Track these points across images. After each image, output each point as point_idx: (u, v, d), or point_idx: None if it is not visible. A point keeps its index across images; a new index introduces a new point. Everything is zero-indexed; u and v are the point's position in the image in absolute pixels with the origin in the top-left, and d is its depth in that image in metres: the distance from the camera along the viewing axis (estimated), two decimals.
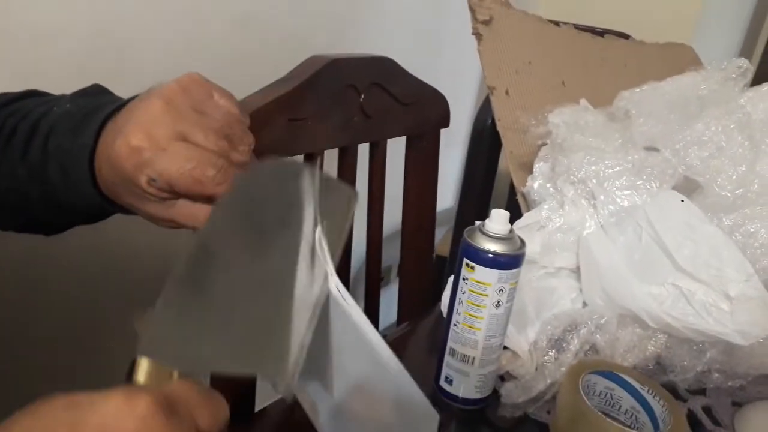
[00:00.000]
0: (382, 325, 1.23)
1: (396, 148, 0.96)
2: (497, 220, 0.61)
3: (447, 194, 1.70)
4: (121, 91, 0.50)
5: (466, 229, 0.63)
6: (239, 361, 0.33)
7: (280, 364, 0.32)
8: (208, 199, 0.43)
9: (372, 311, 1.03)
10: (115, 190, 0.45)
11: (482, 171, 1.36)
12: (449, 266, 1.26)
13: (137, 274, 0.97)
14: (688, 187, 0.72)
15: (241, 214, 0.39)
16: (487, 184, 1.35)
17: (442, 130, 1.00)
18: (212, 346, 0.33)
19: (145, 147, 0.40)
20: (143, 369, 0.32)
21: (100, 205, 0.47)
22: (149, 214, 0.45)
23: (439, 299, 0.77)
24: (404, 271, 1.06)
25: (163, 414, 0.26)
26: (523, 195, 0.88)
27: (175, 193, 0.43)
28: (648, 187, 0.69)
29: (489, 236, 0.61)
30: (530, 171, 0.85)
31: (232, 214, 0.39)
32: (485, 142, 1.21)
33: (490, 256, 0.60)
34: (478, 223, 0.62)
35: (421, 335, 0.84)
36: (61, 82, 0.55)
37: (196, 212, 0.44)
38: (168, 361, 0.32)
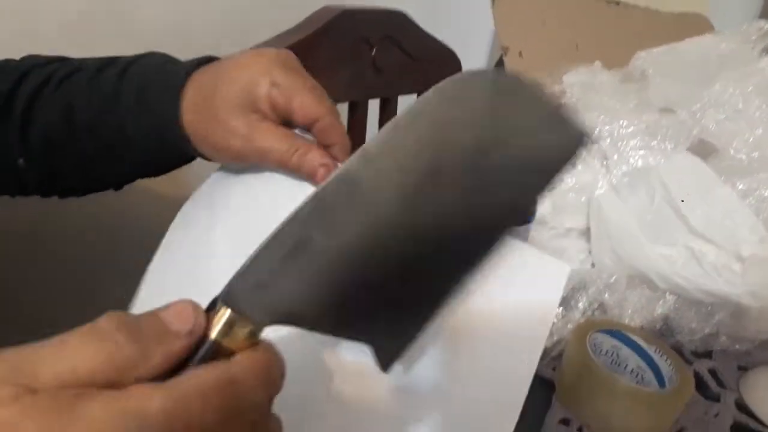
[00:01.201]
0: None
1: None
2: None
3: None
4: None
5: None
6: (346, 326, 0.28)
7: (393, 340, 0.28)
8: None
9: None
10: (202, 127, 0.44)
11: None
12: None
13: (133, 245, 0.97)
14: (702, 151, 0.71)
15: (418, 136, 0.31)
16: None
17: None
18: (315, 304, 0.28)
19: (272, 55, 0.44)
20: (220, 319, 0.27)
21: (174, 145, 0.47)
22: (228, 148, 0.44)
23: None
24: None
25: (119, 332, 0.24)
26: None
27: (282, 111, 0.43)
28: (662, 148, 0.68)
29: None
30: None
31: (404, 136, 0.31)
32: None
33: None
34: None
35: None
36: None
37: (277, 141, 0.43)
38: (250, 311, 0.27)
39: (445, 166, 0.30)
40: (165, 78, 0.46)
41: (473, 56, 1.63)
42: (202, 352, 0.26)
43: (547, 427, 0.57)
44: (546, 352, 0.64)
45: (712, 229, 0.62)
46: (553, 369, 0.65)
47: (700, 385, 0.65)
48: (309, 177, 0.43)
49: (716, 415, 0.61)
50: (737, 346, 0.68)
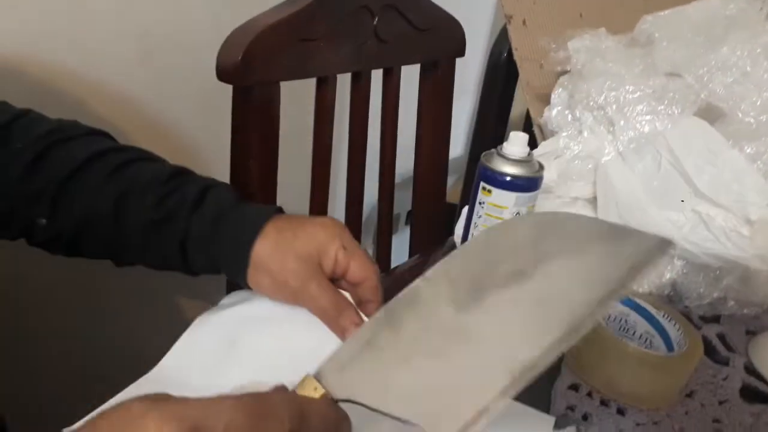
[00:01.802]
0: None
1: (409, 90, 0.95)
2: (515, 142, 0.59)
3: (458, 144, 1.68)
4: None
5: (484, 153, 0.62)
6: (402, 405, 0.32)
7: (449, 426, 0.31)
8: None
9: (383, 258, 1.03)
10: (273, 261, 0.52)
11: (496, 108, 1.34)
12: (462, 203, 1.25)
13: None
14: (710, 115, 0.70)
15: (467, 264, 0.40)
16: (501, 123, 1.33)
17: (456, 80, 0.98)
18: (384, 385, 0.33)
19: (339, 224, 0.54)
20: (305, 385, 0.33)
21: (229, 267, 0.55)
22: (285, 285, 0.52)
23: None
24: (416, 216, 1.05)
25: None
26: (540, 126, 0.86)
27: (341, 269, 0.53)
28: (669, 113, 0.67)
29: (507, 159, 0.59)
30: (547, 102, 0.83)
31: (457, 264, 0.40)
32: (500, 75, 1.18)
33: (508, 178, 0.59)
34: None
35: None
36: None
37: (326, 293, 0.51)
38: (331, 386, 0.33)
39: (487, 283, 0.36)
40: (247, 212, 0.54)
41: (477, 25, 1.61)
42: None
43: (556, 392, 0.57)
44: None
45: (719, 193, 0.62)
46: None
47: (709, 350, 0.65)
48: (340, 332, 0.50)
49: (725, 379, 0.61)
50: (745, 311, 0.68)
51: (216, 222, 0.54)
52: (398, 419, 0.31)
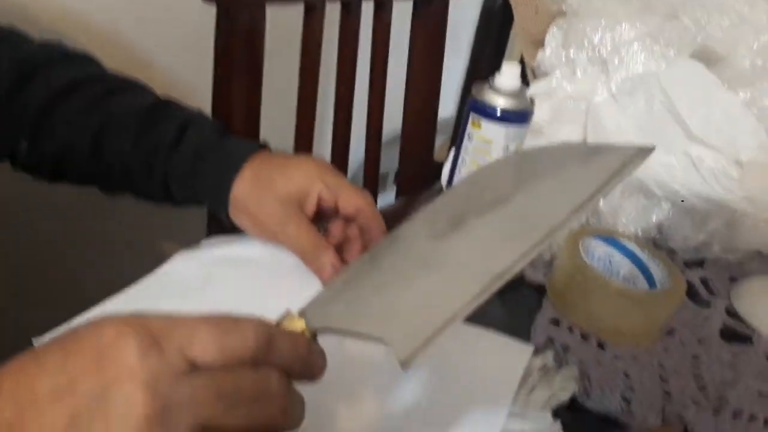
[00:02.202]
0: None
1: (400, 35, 0.92)
2: (507, 74, 0.58)
3: (448, 104, 1.66)
4: None
5: (474, 84, 0.61)
6: (373, 326, 0.32)
7: (407, 340, 0.30)
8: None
9: None
10: (251, 202, 0.52)
11: (489, 59, 1.32)
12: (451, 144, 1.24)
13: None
14: (706, 58, 0.69)
15: (449, 201, 0.41)
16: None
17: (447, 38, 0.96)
18: (360, 311, 0.33)
19: (321, 162, 0.54)
20: (284, 318, 0.32)
21: (213, 204, 0.55)
22: (263, 224, 0.52)
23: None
24: (403, 174, 1.03)
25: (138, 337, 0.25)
26: (533, 70, 0.85)
27: (327, 207, 0.52)
28: (665, 54, 0.66)
29: (498, 91, 0.58)
30: (541, 47, 0.82)
31: (439, 202, 0.41)
32: (495, 22, 1.16)
33: (498, 111, 0.58)
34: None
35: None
36: None
37: (305, 233, 0.51)
38: (312, 322, 0.32)
39: (465, 214, 0.37)
40: (227, 151, 0.54)
41: None
42: None
43: (537, 325, 0.57)
44: (538, 258, 0.64)
45: (711, 135, 0.61)
46: (544, 275, 0.65)
47: (692, 293, 0.66)
48: (318, 272, 0.50)
49: (706, 319, 0.62)
50: (730, 256, 0.68)
51: (195, 160, 0.53)
52: (371, 339, 0.31)
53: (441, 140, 1.24)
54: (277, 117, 0.84)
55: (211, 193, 0.54)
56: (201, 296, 0.50)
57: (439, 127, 1.06)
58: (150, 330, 0.25)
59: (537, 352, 0.51)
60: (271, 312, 0.32)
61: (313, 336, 0.32)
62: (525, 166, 0.42)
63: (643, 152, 0.36)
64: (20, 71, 0.53)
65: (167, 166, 0.54)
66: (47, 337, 0.44)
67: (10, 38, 0.57)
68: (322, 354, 0.31)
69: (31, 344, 0.28)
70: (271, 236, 0.53)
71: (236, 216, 0.54)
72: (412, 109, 0.98)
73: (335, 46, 0.86)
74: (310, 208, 0.52)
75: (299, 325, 0.32)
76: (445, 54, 0.99)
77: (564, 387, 0.48)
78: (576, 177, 0.36)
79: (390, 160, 1.09)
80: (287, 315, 0.32)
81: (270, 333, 0.28)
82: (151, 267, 0.52)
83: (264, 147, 0.56)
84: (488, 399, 0.45)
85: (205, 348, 0.26)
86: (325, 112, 0.94)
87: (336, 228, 0.53)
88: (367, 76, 0.92)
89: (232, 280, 0.52)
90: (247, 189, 0.52)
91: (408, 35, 0.94)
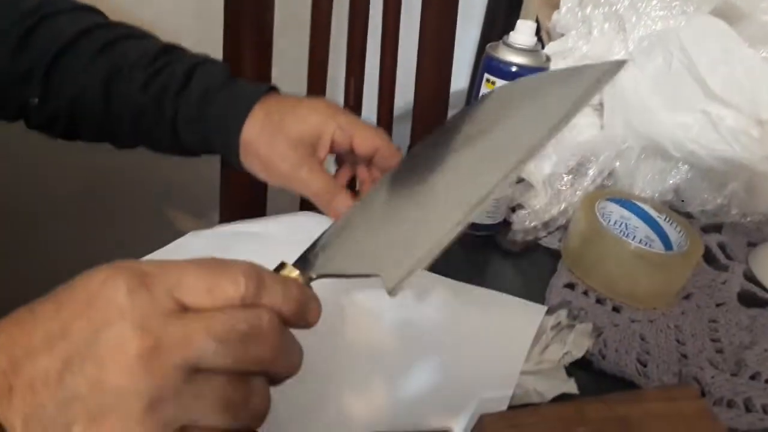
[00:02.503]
0: None
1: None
2: (523, 30, 0.57)
3: (460, 79, 1.63)
4: None
5: (489, 44, 0.59)
6: (364, 264, 0.33)
7: (394, 269, 0.31)
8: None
9: None
10: (262, 145, 0.51)
11: (502, 27, 1.29)
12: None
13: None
14: (727, 16, 0.67)
15: (436, 140, 0.42)
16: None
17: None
18: (353, 253, 0.34)
19: (334, 104, 0.52)
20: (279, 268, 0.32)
21: (224, 150, 0.54)
22: (276, 169, 0.51)
23: None
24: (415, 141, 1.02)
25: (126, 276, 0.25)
26: (548, 32, 0.83)
27: (342, 148, 0.52)
28: (684, 9, 0.64)
29: (513, 48, 0.57)
30: (557, 8, 0.80)
31: (428, 143, 0.42)
32: None
33: (513, 68, 0.56)
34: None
35: None
36: None
37: (318, 176, 0.50)
38: (308, 269, 0.32)
39: (450, 152, 0.38)
40: (235, 93, 0.52)
41: None
42: None
43: (552, 289, 0.56)
44: (552, 221, 0.63)
45: (731, 93, 0.59)
46: (559, 240, 0.64)
47: (709, 258, 0.64)
48: (334, 215, 0.50)
49: (723, 283, 0.61)
50: (749, 219, 0.66)
51: (202, 103, 0.52)
52: (362, 275, 0.32)
53: (453, 114, 1.22)
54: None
55: (220, 136, 0.53)
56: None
57: (451, 101, 1.05)
58: (139, 272, 0.25)
59: (551, 311, 0.50)
60: None
61: (308, 283, 0.32)
62: (508, 98, 0.43)
63: (618, 65, 0.36)
64: (24, 27, 0.52)
65: (175, 109, 0.53)
66: None
67: None
68: (315, 299, 0.30)
69: None
70: (284, 180, 0.52)
71: (247, 160, 0.52)
72: (425, 81, 0.96)
73: (345, 18, 0.85)
74: (324, 149, 0.51)
75: (293, 273, 0.32)
76: (458, 24, 0.96)
77: (578, 344, 0.47)
78: (552, 98, 0.36)
79: (401, 136, 1.07)
80: (281, 265, 0.32)
81: (260, 275, 0.27)
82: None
83: (274, 89, 0.54)
84: (502, 358, 0.44)
85: (193, 289, 0.26)
86: (336, 85, 0.93)
87: (362, 172, 0.54)
88: (378, 49, 0.90)
89: (245, 253, 0.51)
90: (257, 131, 0.51)
91: (420, 3, 0.91)
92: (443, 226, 0.31)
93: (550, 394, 0.44)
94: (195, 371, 0.24)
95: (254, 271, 0.27)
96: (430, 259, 0.30)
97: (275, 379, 0.27)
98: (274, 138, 0.50)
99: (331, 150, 0.52)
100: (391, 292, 0.30)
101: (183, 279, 0.26)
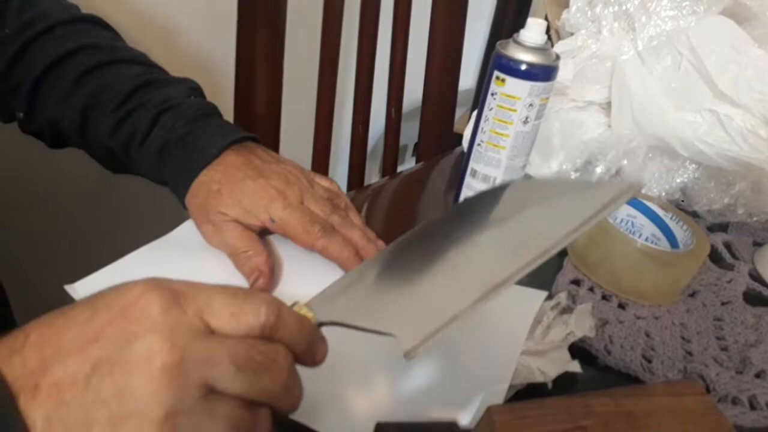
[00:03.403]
0: None
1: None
2: (533, 28, 0.57)
3: (468, 77, 1.63)
4: None
5: (499, 41, 0.60)
6: (378, 321, 0.33)
7: (411, 334, 0.31)
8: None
9: None
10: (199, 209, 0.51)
11: (511, 26, 1.30)
12: (472, 110, 1.22)
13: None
14: (736, 16, 0.67)
15: (451, 220, 0.43)
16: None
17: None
18: (367, 308, 0.34)
19: (276, 196, 0.50)
20: (294, 306, 0.33)
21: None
22: (206, 227, 0.51)
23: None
24: (422, 146, 1.02)
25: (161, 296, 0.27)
26: (557, 31, 0.83)
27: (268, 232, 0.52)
28: (695, 9, 0.64)
29: (523, 46, 0.57)
30: (566, 6, 0.80)
31: (440, 219, 0.44)
32: None
33: (523, 66, 0.57)
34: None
35: (440, 171, 0.83)
36: None
37: (238, 239, 0.50)
38: (315, 309, 0.33)
39: (467, 228, 0.39)
40: (188, 153, 0.52)
41: None
42: None
43: (558, 286, 0.57)
44: None
45: (740, 92, 0.59)
46: None
47: (715, 257, 0.65)
48: (246, 276, 0.49)
49: (729, 282, 0.61)
50: (755, 219, 0.67)
51: (159, 159, 0.52)
52: (376, 332, 0.32)
53: (460, 113, 1.23)
54: (297, 100, 0.84)
55: (174, 189, 0.53)
56: (213, 253, 0.51)
57: (459, 99, 1.05)
58: (172, 290, 0.27)
59: (551, 297, 0.51)
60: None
61: (318, 327, 0.33)
62: (521, 194, 0.44)
63: (634, 186, 0.40)
64: (23, 37, 0.53)
65: (138, 159, 0.53)
66: (78, 284, 0.45)
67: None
68: (324, 340, 0.32)
69: None
70: (209, 239, 0.52)
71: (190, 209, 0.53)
72: (433, 79, 0.96)
73: (357, 16, 0.85)
74: (253, 228, 0.51)
75: (308, 314, 0.33)
76: (467, 23, 0.97)
77: (580, 324, 0.48)
78: (570, 205, 0.38)
79: (409, 133, 1.08)
80: (295, 304, 0.33)
81: (280, 310, 0.29)
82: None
83: (239, 140, 0.53)
84: (502, 340, 0.45)
85: (219, 312, 0.27)
86: (346, 84, 0.93)
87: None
88: (389, 45, 0.91)
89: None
90: (195, 206, 0.51)
91: (430, 1, 0.92)
92: (462, 302, 0.32)
93: (554, 372, 0.44)
94: (211, 391, 0.26)
95: (275, 305, 0.29)
96: (446, 330, 0.31)
97: (276, 413, 0.29)
98: (208, 214, 0.50)
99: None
100: (407, 356, 0.31)
101: (211, 302, 0.27)
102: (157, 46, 0.63)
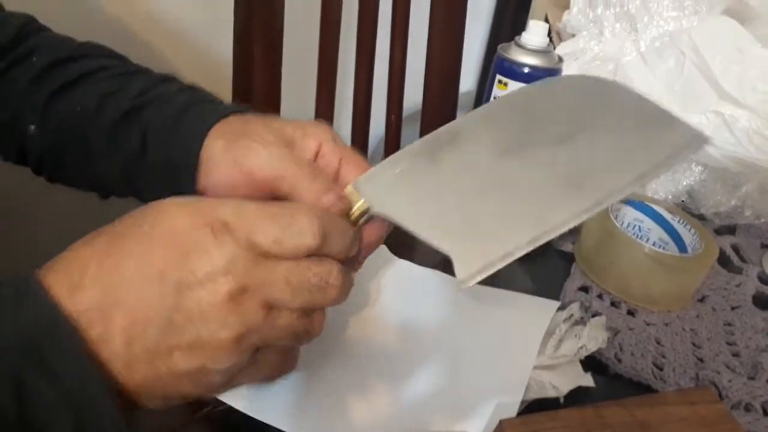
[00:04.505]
0: None
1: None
2: (535, 31, 0.56)
3: (468, 80, 1.62)
4: None
5: (501, 45, 0.59)
6: (433, 233, 0.33)
7: (469, 262, 0.31)
8: None
9: None
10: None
11: (510, 27, 1.29)
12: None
13: None
14: (739, 15, 0.66)
15: (509, 114, 0.39)
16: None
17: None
18: (418, 210, 0.34)
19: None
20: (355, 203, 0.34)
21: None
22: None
23: None
24: None
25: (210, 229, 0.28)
26: (558, 33, 0.82)
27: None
28: (697, 9, 0.63)
29: (525, 49, 0.56)
30: (567, 8, 0.79)
31: (497, 111, 0.39)
32: None
33: (526, 69, 0.56)
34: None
35: None
36: None
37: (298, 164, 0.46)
38: (367, 195, 0.34)
39: (528, 138, 0.36)
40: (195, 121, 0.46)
41: None
42: None
43: (566, 293, 0.56)
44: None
45: (745, 93, 0.59)
46: (573, 243, 0.63)
47: (723, 261, 0.64)
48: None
49: (738, 286, 0.60)
50: (762, 221, 0.66)
51: (186, 111, 0.47)
52: (433, 246, 0.32)
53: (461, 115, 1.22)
54: (296, 98, 0.83)
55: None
56: None
57: (459, 102, 1.04)
58: (220, 222, 0.28)
59: (563, 308, 0.50)
60: None
61: (365, 214, 0.34)
62: (586, 102, 0.40)
63: (701, 140, 0.36)
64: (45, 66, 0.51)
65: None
66: None
67: (50, 39, 0.55)
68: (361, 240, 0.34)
69: None
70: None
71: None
72: (433, 81, 0.95)
73: (355, 18, 0.85)
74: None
75: (358, 202, 0.34)
76: (466, 24, 0.96)
77: (593, 337, 0.46)
78: (640, 140, 0.36)
79: (410, 137, 1.07)
80: (349, 191, 0.34)
81: (326, 231, 0.30)
82: None
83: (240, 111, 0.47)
84: (514, 353, 0.44)
85: (267, 236, 0.29)
86: (345, 87, 0.92)
87: None
88: (388, 50, 0.90)
89: None
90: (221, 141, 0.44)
91: (429, 3, 0.91)
92: (517, 238, 0.32)
93: (566, 387, 0.43)
94: (271, 308, 0.29)
95: (319, 225, 0.30)
96: (502, 264, 0.31)
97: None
98: (243, 138, 0.42)
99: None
100: (461, 284, 0.31)
101: (258, 227, 0.29)
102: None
